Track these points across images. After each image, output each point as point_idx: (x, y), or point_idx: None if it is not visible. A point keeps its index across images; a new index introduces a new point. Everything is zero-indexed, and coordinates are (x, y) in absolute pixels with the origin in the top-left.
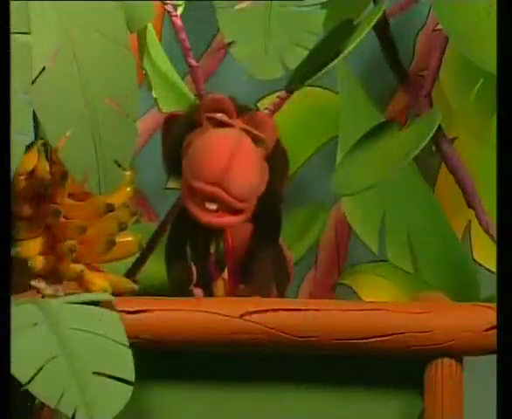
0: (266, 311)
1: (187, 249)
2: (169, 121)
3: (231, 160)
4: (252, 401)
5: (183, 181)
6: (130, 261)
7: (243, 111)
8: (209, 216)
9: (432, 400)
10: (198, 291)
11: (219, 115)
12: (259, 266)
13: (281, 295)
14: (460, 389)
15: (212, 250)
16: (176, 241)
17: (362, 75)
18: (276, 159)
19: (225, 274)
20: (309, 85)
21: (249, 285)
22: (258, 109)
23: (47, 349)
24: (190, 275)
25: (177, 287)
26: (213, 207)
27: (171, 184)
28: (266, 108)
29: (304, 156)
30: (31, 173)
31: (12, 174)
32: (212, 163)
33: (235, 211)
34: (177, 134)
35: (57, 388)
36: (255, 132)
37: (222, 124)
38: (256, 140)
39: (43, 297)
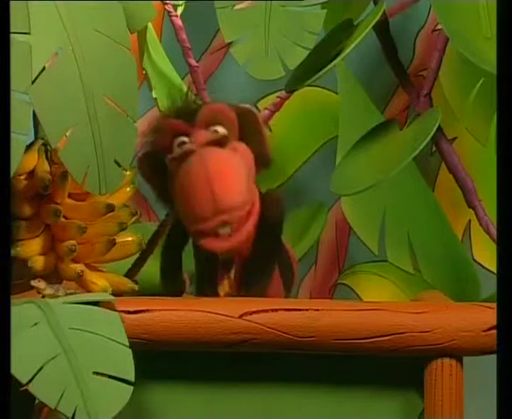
0: (266, 311)
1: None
2: (141, 163)
3: (210, 186)
4: (252, 401)
5: (187, 227)
6: (130, 261)
7: (192, 115)
8: (222, 242)
9: (432, 400)
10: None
11: (176, 151)
12: (263, 262)
13: (287, 295)
14: (460, 389)
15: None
16: (173, 247)
17: (362, 75)
18: (249, 132)
19: (232, 273)
20: (309, 85)
21: (252, 283)
22: (257, 107)
23: (47, 349)
24: (183, 285)
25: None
26: (227, 230)
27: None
28: (266, 108)
29: (304, 156)
30: (31, 173)
31: (12, 174)
32: (198, 203)
33: (246, 218)
34: (155, 168)
35: (57, 388)
36: (213, 136)
37: (182, 156)
38: (221, 142)
39: (43, 297)
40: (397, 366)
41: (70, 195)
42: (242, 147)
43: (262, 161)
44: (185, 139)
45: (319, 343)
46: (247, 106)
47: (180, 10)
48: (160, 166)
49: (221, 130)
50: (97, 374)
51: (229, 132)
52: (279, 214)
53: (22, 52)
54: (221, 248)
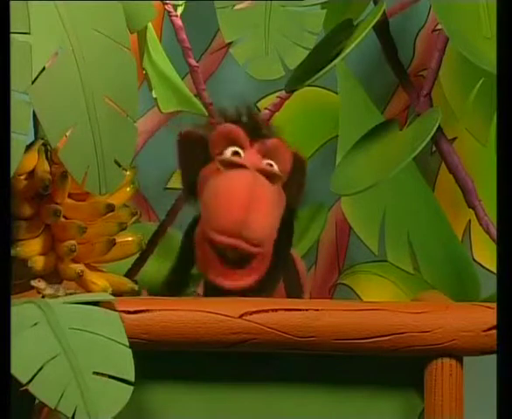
0: (266, 311)
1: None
2: (185, 140)
3: (249, 209)
4: (253, 402)
5: (200, 229)
6: (130, 261)
7: (255, 136)
8: (230, 281)
9: (432, 400)
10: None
11: (231, 157)
12: (273, 281)
13: None
14: (460, 389)
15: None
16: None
17: (362, 75)
18: (292, 180)
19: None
20: (309, 85)
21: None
22: (259, 110)
23: (47, 349)
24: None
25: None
26: (234, 255)
27: (173, 185)
28: (266, 108)
29: (304, 156)
30: (31, 173)
31: (12, 174)
32: (230, 215)
33: (253, 255)
34: (193, 159)
35: (57, 388)
36: (271, 170)
37: (234, 165)
38: (272, 178)
39: (43, 297)
40: (397, 366)
41: (70, 195)
42: (283, 196)
43: (288, 211)
44: (240, 151)
45: (319, 343)
46: (300, 162)
47: (180, 10)
48: (197, 155)
49: (277, 169)
50: (97, 374)
51: (282, 173)
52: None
53: (22, 52)
54: (228, 286)
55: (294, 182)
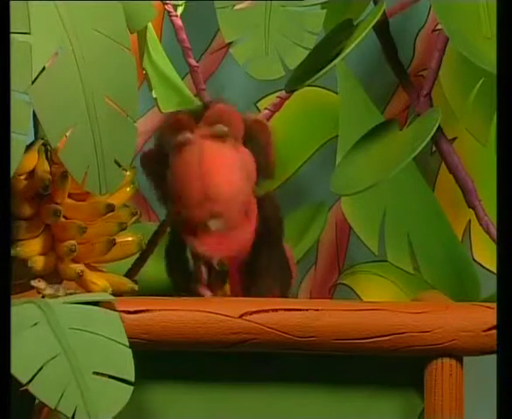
0: (267, 311)
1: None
2: (144, 159)
3: (203, 173)
4: (252, 401)
5: (175, 213)
6: (130, 261)
7: (202, 114)
8: (209, 247)
9: (432, 400)
10: (207, 293)
11: (178, 138)
12: (263, 271)
13: (284, 295)
14: (460, 389)
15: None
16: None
17: (362, 75)
18: (254, 136)
19: (226, 279)
20: (309, 85)
21: (253, 290)
22: (257, 107)
23: (47, 349)
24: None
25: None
26: (217, 224)
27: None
28: (266, 108)
29: (304, 156)
30: (31, 173)
31: (12, 174)
32: (189, 188)
33: (230, 210)
34: (156, 169)
35: (57, 388)
36: (214, 129)
37: (183, 144)
38: (219, 136)
39: (43, 297)
40: (397, 366)
41: (70, 195)
42: (244, 150)
43: (264, 173)
44: (188, 133)
45: (319, 343)
46: (260, 117)
47: (180, 10)
48: (163, 163)
49: (222, 127)
50: (97, 374)
51: (233, 133)
52: (276, 217)
53: (22, 52)
54: (215, 252)
55: (257, 144)
